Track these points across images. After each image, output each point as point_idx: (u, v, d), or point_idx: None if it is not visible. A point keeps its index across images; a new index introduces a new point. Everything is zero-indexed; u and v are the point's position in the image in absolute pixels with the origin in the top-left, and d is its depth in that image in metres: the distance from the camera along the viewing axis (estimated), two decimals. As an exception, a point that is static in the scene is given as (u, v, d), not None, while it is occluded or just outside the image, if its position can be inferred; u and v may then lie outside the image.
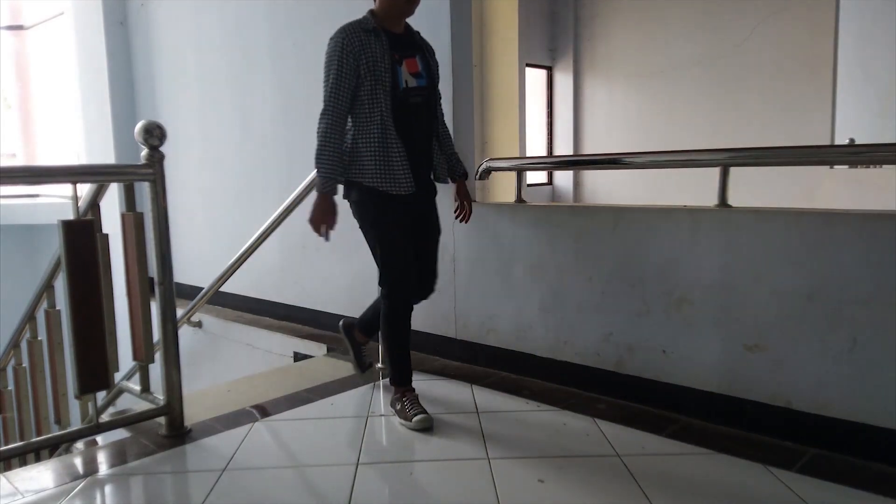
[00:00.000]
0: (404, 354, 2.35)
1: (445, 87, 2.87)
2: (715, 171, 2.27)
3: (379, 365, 2.87)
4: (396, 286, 2.28)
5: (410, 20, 2.35)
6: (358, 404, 2.47)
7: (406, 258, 2.27)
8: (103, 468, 2.01)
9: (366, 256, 3.29)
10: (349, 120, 2.22)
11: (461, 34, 2.88)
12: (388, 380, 2.46)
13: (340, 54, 2.15)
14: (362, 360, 2.70)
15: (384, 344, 2.39)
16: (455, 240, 2.91)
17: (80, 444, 2.55)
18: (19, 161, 7.23)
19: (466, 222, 2.52)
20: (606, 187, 7.00)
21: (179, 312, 2.89)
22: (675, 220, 2.28)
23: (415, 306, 2.35)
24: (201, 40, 4.18)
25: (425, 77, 2.25)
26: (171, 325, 2.21)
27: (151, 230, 2.16)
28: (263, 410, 2.44)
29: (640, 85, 6.66)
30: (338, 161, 2.17)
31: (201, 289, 3.61)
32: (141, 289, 2.16)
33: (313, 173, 3.12)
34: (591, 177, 7.18)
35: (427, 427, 2.19)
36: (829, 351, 1.98)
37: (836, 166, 4.28)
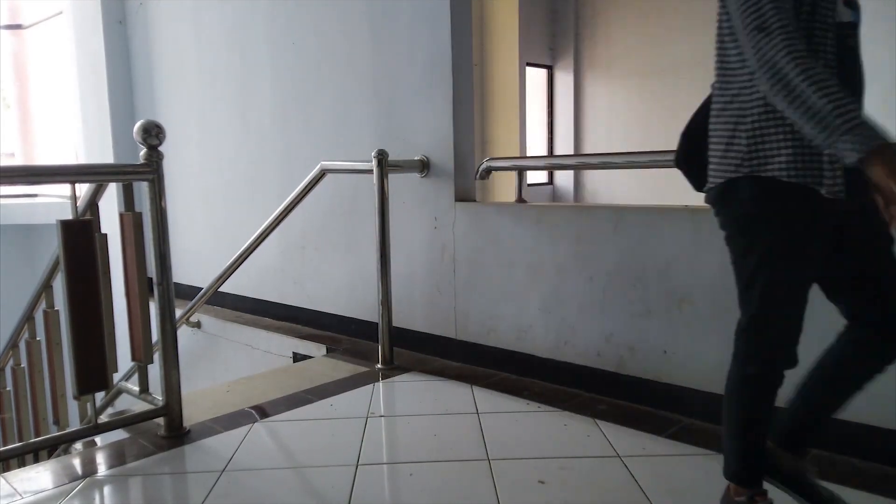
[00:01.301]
0: (758, 442, 1.52)
1: (445, 87, 2.87)
2: (716, 171, 2.26)
3: (378, 365, 2.87)
4: (775, 349, 1.48)
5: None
6: (358, 405, 2.46)
7: (802, 307, 1.45)
8: (102, 469, 2.00)
9: (366, 255, 3.31)
10: (737, 83, 1.39)
11: (461, 34, 2.87)
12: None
13: None
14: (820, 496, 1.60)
15: (728, 421, 1.53)
16: (455, 240, 2.90)
17: (78, 445, 2.54)
18: (18, 161, 7.22)
19: None
20: (607, 187, 7.00)
21: (178, 313, 2.89)
22: (676, 220, 2.28)
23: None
24: (200, 39, 4.17)
25: (855, 8, 1.42)
26: (169, 326, 2.20)
27: (150, 230, 2.15)
28: (262, 411, 2.43)
29: (640, 84, 6.66)
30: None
31: (200, 289, 3.61)
32: (140, 289, 2.16)
33: (313, 172, 3.14)
34: (592, 176, 7.18)
35: None
36: (830, 351, 1.97)
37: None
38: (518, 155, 6.19)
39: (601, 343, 2.48)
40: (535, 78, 7.07)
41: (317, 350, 3.30)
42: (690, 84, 6.22)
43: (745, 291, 1.47)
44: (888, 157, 1.15)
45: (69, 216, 2.02)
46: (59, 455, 2.59)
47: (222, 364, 3.97)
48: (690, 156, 1.53)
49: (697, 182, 1.53)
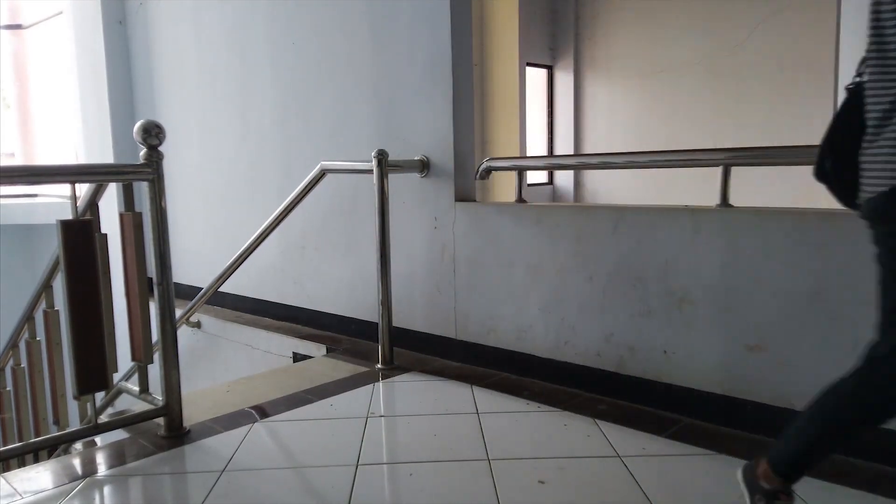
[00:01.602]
0: (824, 452, 1.40)
1: (445, 86, 2.87)
2: (716, 171, 2.27)
3: (378, 365, 2.87)
4: None
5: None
6: (357, 405, 2.46)
7: None
8: (102, 469, 2.00)
9: (366, 255, 3.31)
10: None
11: (461, 34, 2.87)
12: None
13: None
14: None
15: (813, 417, 1.38)
16: (455, 240, 2.90)
17: (78, 445, 2.54)
18: (18, 161, 7.22)
19: None
20: (607, 187, 7.01)
21: (178, 313, 2.89)
22: (675, 220, 2.28)
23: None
24: (200, 39, 4.17)
25: None
26: (169, 326, 2.20)
27: (150, 230, 2.15)
28: (262, 411, 2.43)
29: (640, 84, 6.66)
30: None
31: (200, 289, 3.61)
32: (140, 289, 2.16)
33: (313, 172, 3.14)
34: (592, 177, 7.18)
35: None
36: (830, 351, 1.97)
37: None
38: (518, 155, 6.19)
39: (601, 343, 2.48)
40: (535, 78, 7.07)
41: (317, 350, 3.30)
42: (691, 84, 6.23)
43: (893, 315, 1.27)
44: None
45: (69, 216, 2.02)
46: (59, 455, 2.59)
47: (222, 364, 3.97)
48: (835, 166, 1.36)
49: (845, 194, 1.35)
